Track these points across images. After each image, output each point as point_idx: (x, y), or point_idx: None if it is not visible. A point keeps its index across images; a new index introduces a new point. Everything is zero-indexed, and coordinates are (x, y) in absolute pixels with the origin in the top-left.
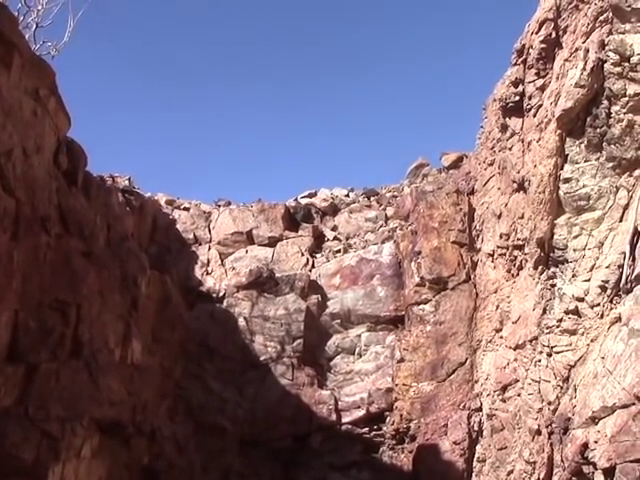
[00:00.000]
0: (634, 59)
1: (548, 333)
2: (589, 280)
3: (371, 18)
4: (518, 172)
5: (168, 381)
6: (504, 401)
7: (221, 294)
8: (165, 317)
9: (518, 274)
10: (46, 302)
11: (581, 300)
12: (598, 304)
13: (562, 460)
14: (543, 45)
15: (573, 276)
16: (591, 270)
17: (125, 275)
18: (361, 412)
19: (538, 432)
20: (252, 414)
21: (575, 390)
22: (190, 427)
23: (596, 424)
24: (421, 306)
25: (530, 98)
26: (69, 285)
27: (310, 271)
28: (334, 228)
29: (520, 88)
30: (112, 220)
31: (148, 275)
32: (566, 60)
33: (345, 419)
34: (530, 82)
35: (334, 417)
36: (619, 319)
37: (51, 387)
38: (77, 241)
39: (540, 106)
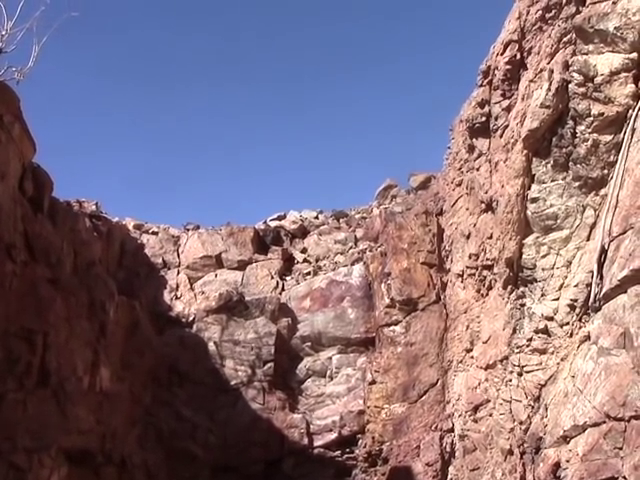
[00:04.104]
0: (598, 79)
1: (518, 352)
2: (558, 299)
3: (340, 33)
4: (486, 192)
5: (138, 408)
6: (476, 421)
7: (190, 319)
8: (134, 343)
9: (487, 294)
10: (12, 330)
11: (550, 319)
12: (567, 323)
13: None
14: (508, 66)
15: (542, 295)
16: (560, 289)
17: (93, 301)
18: (333, 435)
19: (510, 452)
20: (223, 439)
21: (546, 409)
22: (161, 454)
23: (567, 443)
24: (391, 327)
25: (496, 119)
26: (35, 313)
27: (280, 294)
28: (303, 250)
29: (486, 109)
30: (79, 246)
31: (116, 301)
32: (531, 81)
33: (317, 442)
34: (496, 103)
35: (306, 441)
36: (588, 337)
37: (18, 417)
38: (43, 268)
39: (506, 127)
